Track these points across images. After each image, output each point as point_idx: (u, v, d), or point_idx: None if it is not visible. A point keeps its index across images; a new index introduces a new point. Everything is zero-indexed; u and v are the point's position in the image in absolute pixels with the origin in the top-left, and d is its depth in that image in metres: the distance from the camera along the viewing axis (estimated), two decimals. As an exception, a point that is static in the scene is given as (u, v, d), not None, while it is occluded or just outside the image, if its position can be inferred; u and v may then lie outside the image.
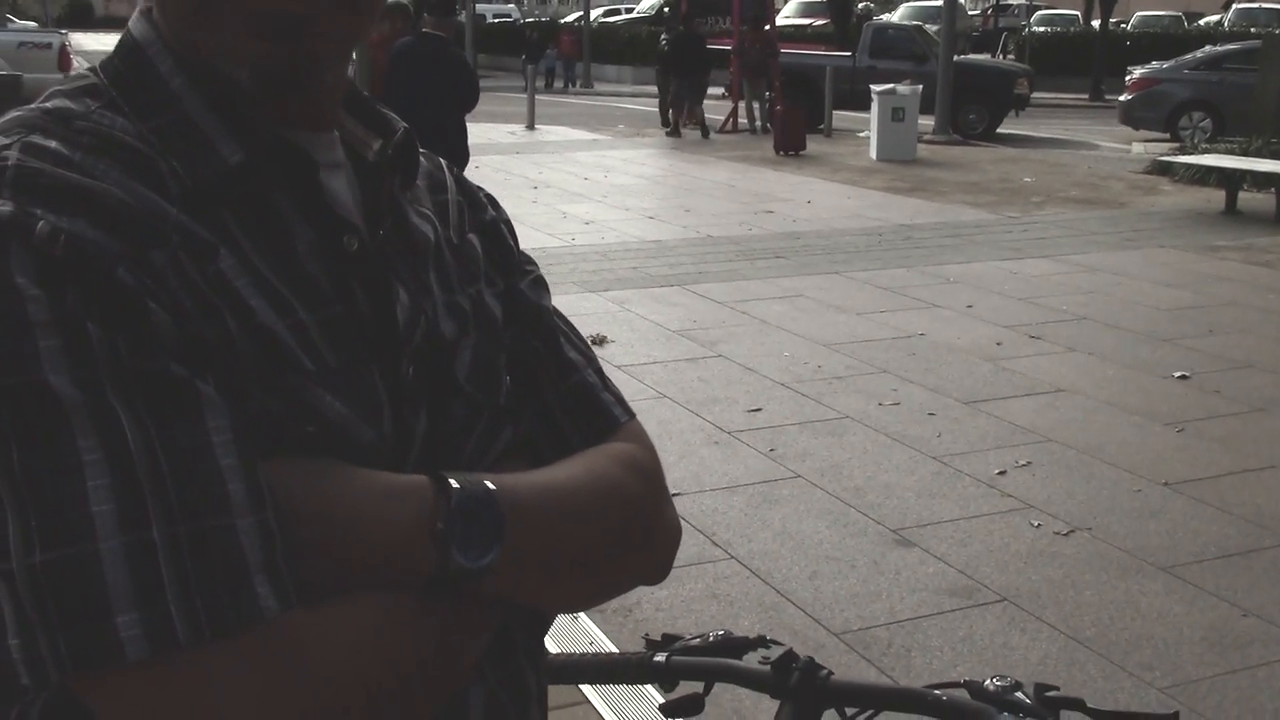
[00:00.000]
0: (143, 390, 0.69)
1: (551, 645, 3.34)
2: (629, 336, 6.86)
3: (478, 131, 14.87)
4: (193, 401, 0.70)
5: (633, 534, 0.93)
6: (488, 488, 0.80)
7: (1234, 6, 37.18)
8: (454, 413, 0.90)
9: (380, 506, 0.76)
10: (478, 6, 37.05)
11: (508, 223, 1.07)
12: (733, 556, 4.07)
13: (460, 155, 7.32)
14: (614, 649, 3.38)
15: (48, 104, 0.80)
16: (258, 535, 0.69)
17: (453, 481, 0.79)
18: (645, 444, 1.01)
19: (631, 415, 1.04)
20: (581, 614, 3.51)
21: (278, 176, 0.83)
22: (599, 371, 1.05)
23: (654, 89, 21.18)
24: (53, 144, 0.75)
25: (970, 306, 7.63)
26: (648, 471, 0.97)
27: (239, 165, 0.80)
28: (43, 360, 0.67)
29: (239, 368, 0.75)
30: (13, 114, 0.79)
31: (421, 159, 1.01)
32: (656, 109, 20.16)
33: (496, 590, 0.81)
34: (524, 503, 0.83)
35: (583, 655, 1.33)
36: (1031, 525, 4.34)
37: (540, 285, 1.06)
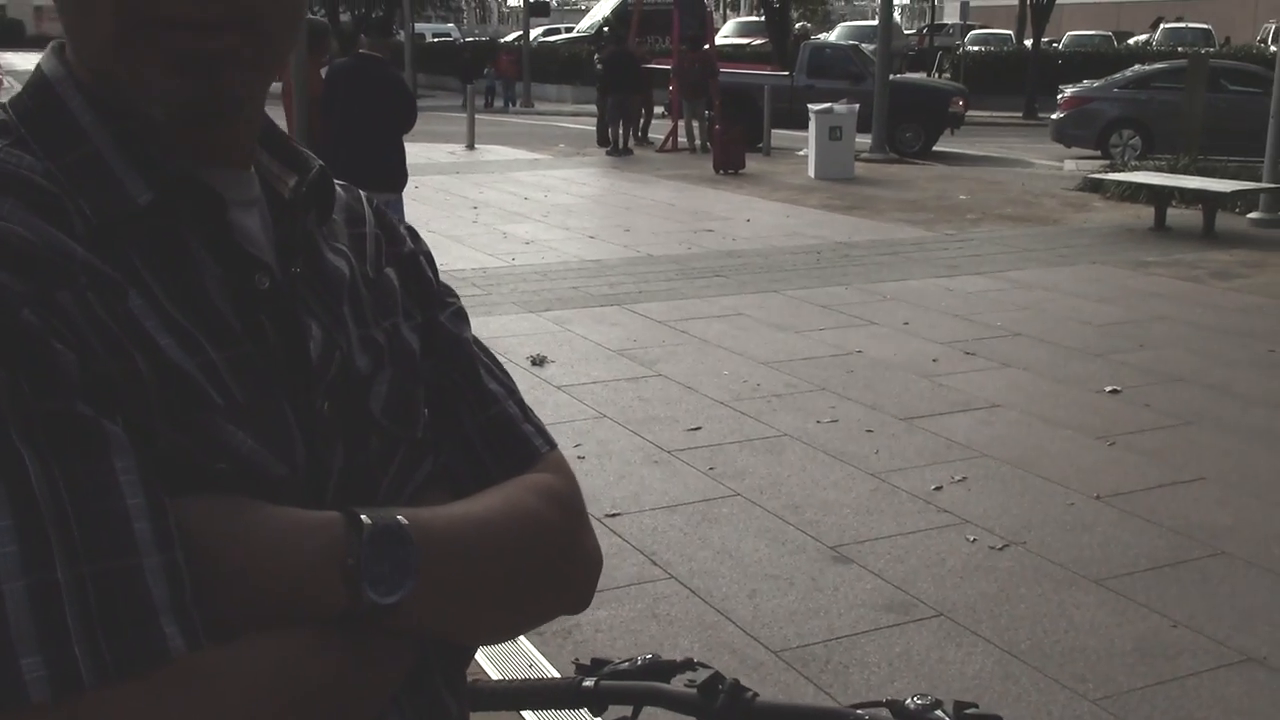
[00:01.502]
0: (47, 431, 0.69)
1: (489, 667, 3.34)
2: (569, 356, 6.87)
3: (418, 151, 14.82)
4: (99, 441, 0.70)
5: (551, 565, 0.94)
6: (400, 522, 0.80)
7: (1161, 26, 37.99)
8: (370, 446, 0.91)
9: (290, 543, 0.76)
10: (417, 26, 36.99)
11: (427, 255, 1.08)
12: (672, 576, 4.08)
13: (399, 176, 7.30)
14: (552, 670, 3.38)
15: None
16: (164, 575, 0.69)
17: (364, 517, 0.79)
18: (566, 474, 1.02)
19: (552, 445, 1.05)
20: (520, 636, 3.50)
21: (187, 215, 0.83)
22: (520, 403, 1.05)
23: (594, 109, 21.24)
24: None
25: (907, 323, 7.72)
26: (567, 502, 0.98)
27: (148, 204, 0.80)
28: None
29: (147, 406, 0.75)
30: None
31: (340, 191, 1.01)
32: (595, 129, 20.20)
33: (412, 624, 0.82)
34: (438, 536, 0.83)
35: (510, 681, 1.33)
36: (967, 540, 4.39)
37: (461, 317, 1.06)
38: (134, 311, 0.77)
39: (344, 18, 35.60)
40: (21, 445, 0.67)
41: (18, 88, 0.88)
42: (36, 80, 0.85)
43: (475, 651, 1.01)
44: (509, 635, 0.98)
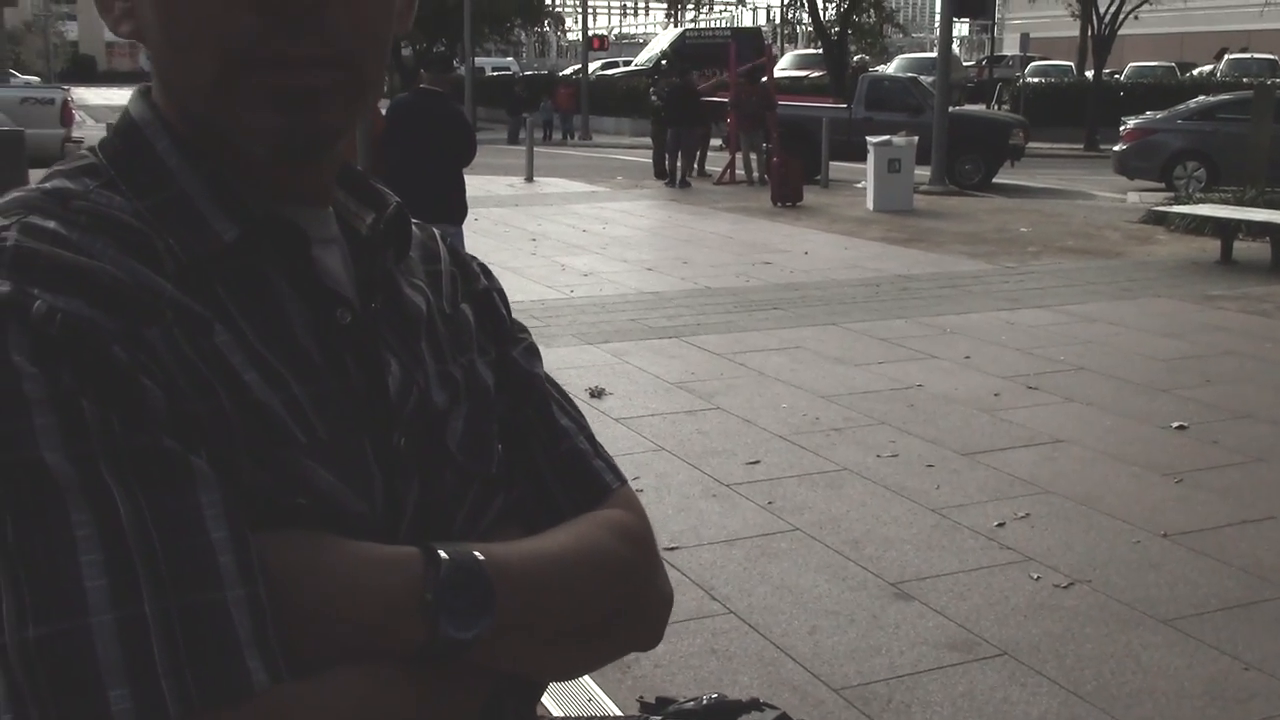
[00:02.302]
0: (135, 465, 0.70)
1: (549, 702, 3.33)
2: (628, 389, 6.88)
3: (477, 184, 14.97)
4: (185, 476, 0.71)
5: (624, 602, 0.94)
6: (476, 558, 0.81)
7: (1226, 57, 37.55)
8: (446, 482, 0.91)
9: (370, 578, 0.77)
10: (477, 60, 37.44)
11: (500, 291, 1.09)
12: (731, 611, 4.06)
13: (459, 209, 7.37)
14: (612, 706, 3.37)
15: (47, 184, 0.82)
16: (248, 608, 0.70)
17: (442, 553, 0.80)
18: (637, 510, 1.02)
19: (623, 481, 1.05)
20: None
21: (271, 252, 0.85)
22: (590, 438, 1.06)
23: (650, 141, 21.36)
24: (51, 224, 0.76)
25: (968, 357, 7.65)
26: (639, 539, 0.98)
27: (233, 241, 0.82)
28: (38, 437, 0.69)
29: (232, 441, 0.76)
30: (13, 194, 0.81)
31: (415, 230, 1.02)
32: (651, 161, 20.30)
33: (486, 660, 0.82)
34: (514, 573, 0.84)
35: (574, 719, 1.33)
36: (1031, 578, 4.33)
37: (533, 353, 1.07)
38: (220, 347, 0.78)
39: (405, 52, 36.11)
40: (111, 480, 0.69)
41: (89, 122, 0.90)
42: (124, 124, 0.88)
43: (546, 687, 1.01)
44: (582, 672, 0.98)
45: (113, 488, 0.69)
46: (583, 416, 1.07)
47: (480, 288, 1.06)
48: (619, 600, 0.93)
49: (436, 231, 1.08)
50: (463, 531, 0.91)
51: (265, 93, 0.80)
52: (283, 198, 0.87)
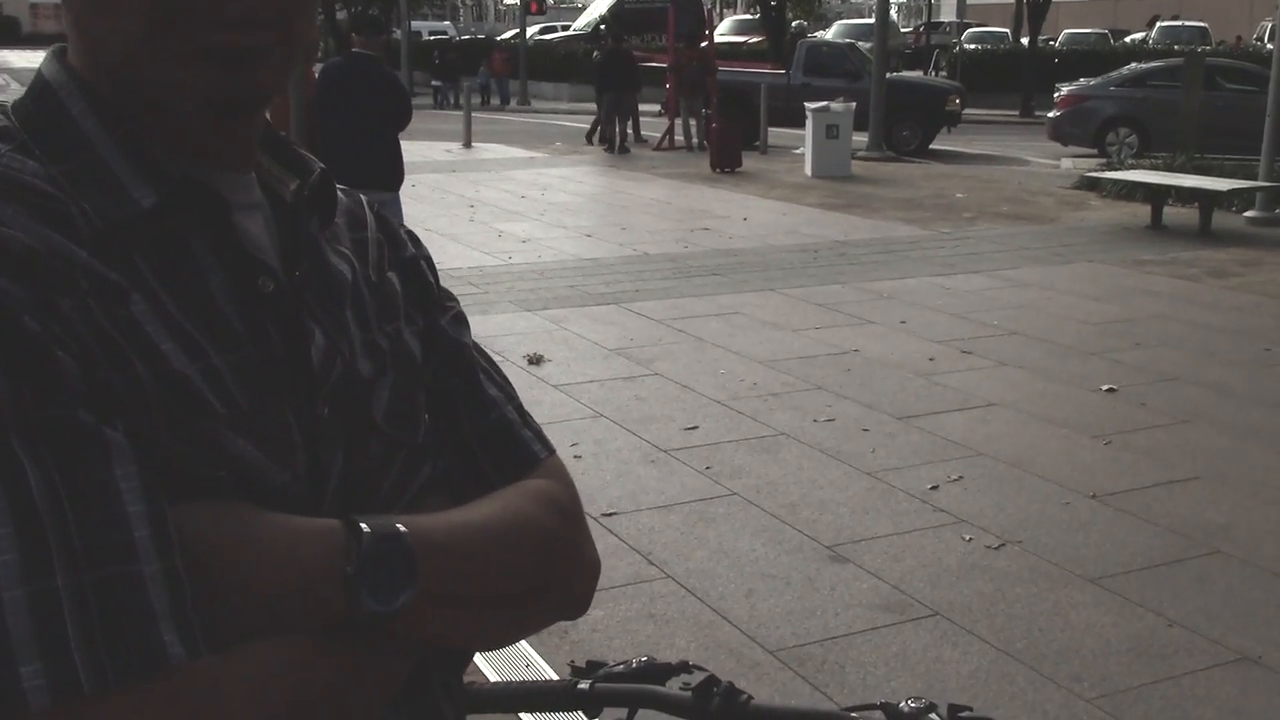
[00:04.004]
0: (48, 438, 0.69)
1: (486, 668, 3.34)
2: (566, 355, 6.87)
3: (414, 150, 14.82)
4: (99, 448, 0.70)
5: (550, 572, 0.94)
6: (399, 530, 0.81)
7: (1158, 24, 38.03)
8: (371, 452, 0.91)
9: (290, 550, 0.77)
10: (414, 24, 36.96)
11: (428, 259, 1.08)
12: (669, 575, 4.09)
13: (395, 174, 7.29)
14: (549, 670, 3.39)
15: None
16: (164, 582, 0.70)
17: (364, 525, 0.79)
18: (564, 480, 1.02)
19: (551, 451, 1.05)
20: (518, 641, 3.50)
21: (191, 218, 0.83)
22: (519, 408, 1.06)
23: (592, 106, 21.25)
24: None
25: (904, 322, 7.73)
26: (565, 508, 0.98)
27: (152, 208, 0.81)
28: None
29: (149, 412, 0.75)
30: None
31: (341, 196, 1.01)
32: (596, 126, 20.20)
33: (410, 631, 0.82)
34: (437, 544, 0.83)
35: (506, 684, 1.34)
36: (963, 539, 4.40)
37: (461, 322, 1.06)
38: (136, 316, 0.77)
39: (340, 15, 35.56)
40: (22, 453, 0.68)
41: (14, 85, 0.88)
42: (38, 85, 0.86)
43: (473, 656, 1.01)
44: (507, 641, 0.98)
45: (24, 461, 0.67)
46: (511, 386, 1.07)
47: (407, 255, 1.05)
48: (545, 570, 0.93)
49: (364, 198, 1.07)
50: (388, 502, 0.91)
51: (198, 50, 0.79)
52: (204, 162, 0.85)
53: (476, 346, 1.07)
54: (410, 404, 0.96)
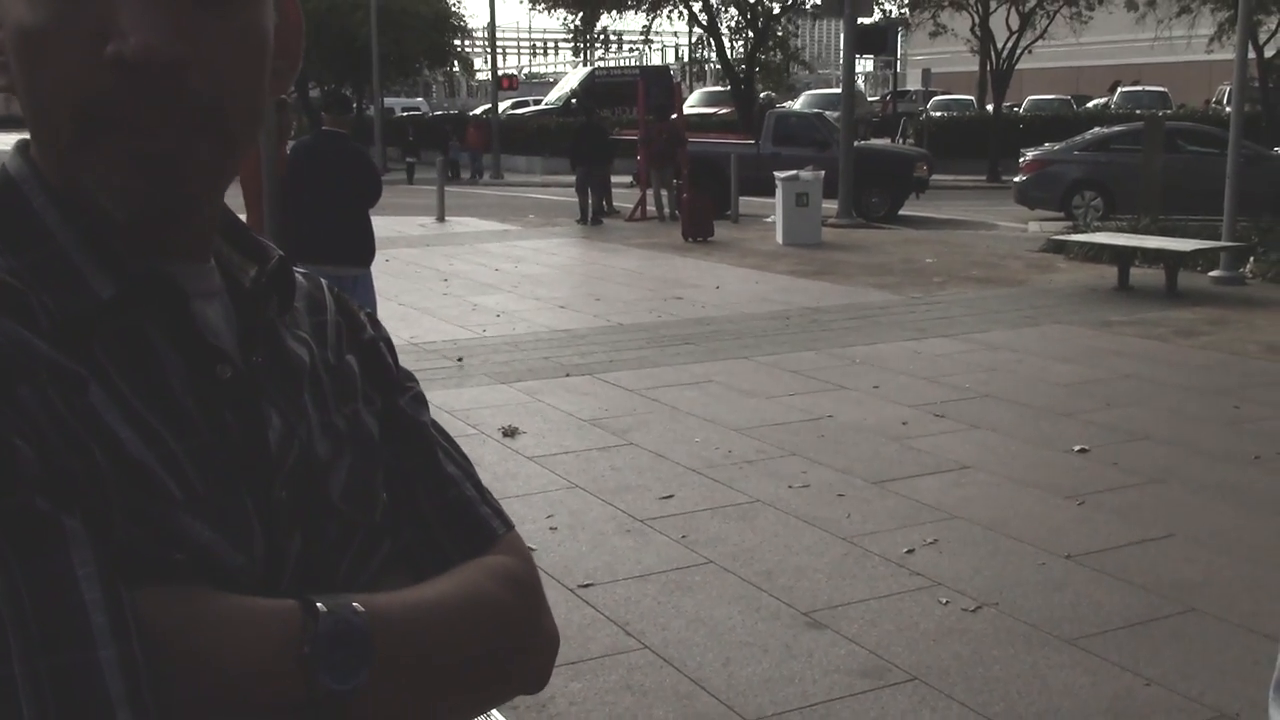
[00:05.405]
0: (6, 527, 0.70)
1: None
2: (541, 427, 6.87)
3: (388, 225, 14.89)
4: (57, 536, 0.71)
5: (507, 648, 0.95)
6: (355, 610, 0.82)
7: (1119, 90, 38.75)
8: (328, 532, 0.92)
9: (246, 632, 0.78)
10: (387, 100, 37.28)
11: (387, 340, 1.10)
12: (646, 646, 4.07)
13: (366, 251, 7.32)
14: (527, 747, 3.35)
15: None
16: (121, 667, 0.70)
17: (320, 605, 0.80)
18: (523, 555, 1.03)
19: (510, 527, 1.06)
20: (494, 710, 3.47)
21: (149, 308, 0.85)
22: (478, 485, 1.07)
23: (565, 179, 21.44)
24: None
25: (876, 387, 7.77)
26: (523, 584, 0.99)
27: (110, 299, 0.83)
28: None
29: (106, 499, 0.76)
30: None
31: (301, 280, 1.03)
32: (565, 199, 20.36)
33: (368, 711, 0.83)
34: (394, 623, 0.85)
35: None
36: (940, 603, 4.40)
37: (420, 402, 1.08)
38: (95, 405, 0.78)
39: (313, 93, 35.84)
40: (-20, 541, 0.69)
41: None
42: (1, 178, 0.88)
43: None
44: (468, 718, 0.99)
45: (-19, 549, 0.69)
46: (470, 464, 1.09)
47: (366, 337, 1.07)
48: (503, 646, 0.94)
49: (324, 282, 1.09)
50: (346, 581, 0.92)
51: (124, 155, 0.81)
52: (163, 253, 0.87)
53: (435, 425, 1.09)
54: (368, 483, 0.97)
